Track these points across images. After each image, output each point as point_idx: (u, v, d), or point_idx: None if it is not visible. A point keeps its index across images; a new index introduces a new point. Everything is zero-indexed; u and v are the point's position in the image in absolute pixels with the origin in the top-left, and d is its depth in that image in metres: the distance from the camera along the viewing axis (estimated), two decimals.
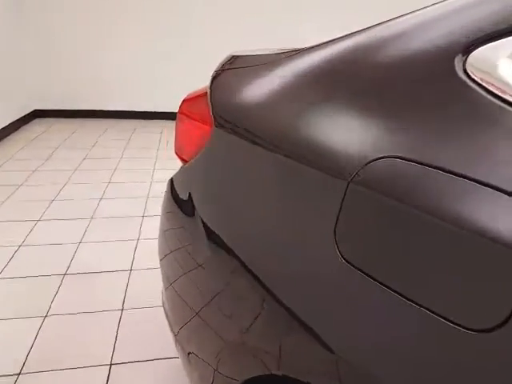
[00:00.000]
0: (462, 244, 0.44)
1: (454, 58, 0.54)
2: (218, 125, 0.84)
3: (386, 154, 0.53)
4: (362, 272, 0.53)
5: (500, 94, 0.49)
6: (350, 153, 0.57)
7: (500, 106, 0.48)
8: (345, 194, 0.56)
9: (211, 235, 0.81)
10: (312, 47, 0.75)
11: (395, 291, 0.49)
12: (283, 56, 0.80)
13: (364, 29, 0.70)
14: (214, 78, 0.94)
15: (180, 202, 0.96)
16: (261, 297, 0.67)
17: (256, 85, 0.80)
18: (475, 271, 0.43)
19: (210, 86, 0.92)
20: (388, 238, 0.51)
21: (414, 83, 0.57)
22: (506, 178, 0.43)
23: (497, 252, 0.42)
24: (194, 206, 0.88)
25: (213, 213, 0.82)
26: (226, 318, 0.74)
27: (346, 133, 0.60)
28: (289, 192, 0.65)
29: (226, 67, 0.94)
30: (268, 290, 0.66)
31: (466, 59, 0.53)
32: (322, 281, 0.58)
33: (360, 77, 0.63)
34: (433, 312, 0.46)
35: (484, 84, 0.50)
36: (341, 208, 0.56)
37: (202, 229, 0.83)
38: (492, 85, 0.50)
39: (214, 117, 0.85)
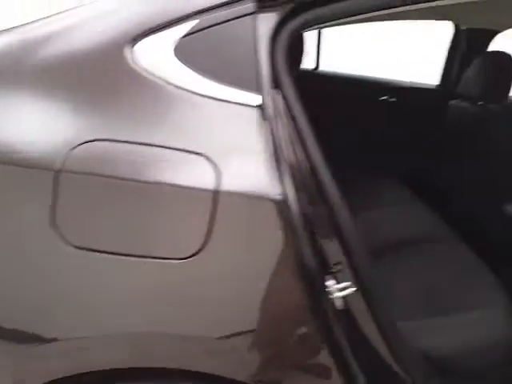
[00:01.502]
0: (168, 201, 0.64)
1: (122, 49, 0.66)
2: None
3: (84, 140, 0.63)
4: (98, 251, 0.63)
5: (165, 77, 0.65)
6: (50, 144, 0.64)
7: (166, 87, 0.65)
8: (56, 186, 0.62)
9: None
10: None
11: (136, 255, 0.63)
12: None
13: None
14: None
15: None
16: None
17: None
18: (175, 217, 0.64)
19: None
20: (109, 212, 0.64)
21: (94, 73, 0.68)
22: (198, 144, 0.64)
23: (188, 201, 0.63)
24: None
25: None
26: None
27: (39, 126, 0.66)
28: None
29: None
30: None
31: (133, 49, 0.66)
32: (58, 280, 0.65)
33: (43, 67, 0.69)
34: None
35: (150, 69, 0.66)
36: (56, 200, 0.62)
37: None
38: (157, 70, 0.66)
39: None
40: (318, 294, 0.70)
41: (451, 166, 1.95)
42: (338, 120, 2.25)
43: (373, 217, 1.68)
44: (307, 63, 2.33)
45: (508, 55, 1.63)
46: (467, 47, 2.06)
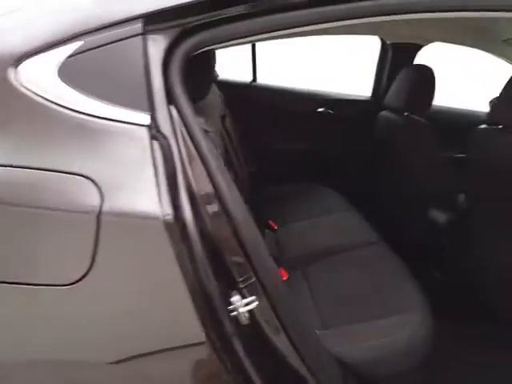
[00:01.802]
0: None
1: (6, 70, 0.65)
2: None
3: None
4: None
5: (48, 97, 0.64)
6: None
7: (49, 107, 0.64)
8: None
9: None
10: None
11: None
12: None
13: None
14: None
15: None
16: None
17: None
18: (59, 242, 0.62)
19: None
20: None
21: None
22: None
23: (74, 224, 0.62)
24: None
25: None
26: None
27: None
28: None
29: None
30: None
31: (17, 69, 0.65)
32: None
33: None
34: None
35: (34, 90, 0.65)
36: None
37: None
38: (41, 91, 0.65)
39: None
40: (219, 311, 0.70)
41: (381, 175, 2.02)
42: (276, 131, 2.29)
43: (306, 226, 1.72)
44: (244, 76, 2.37)
45: (429, 68, 1.72)
46: (394, 61, 2.16)
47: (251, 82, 2.35)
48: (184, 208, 0.67)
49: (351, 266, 1.39)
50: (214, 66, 1.01)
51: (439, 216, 1.65)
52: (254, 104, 2.26)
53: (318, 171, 2.25)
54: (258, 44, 2.25)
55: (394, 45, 2.14)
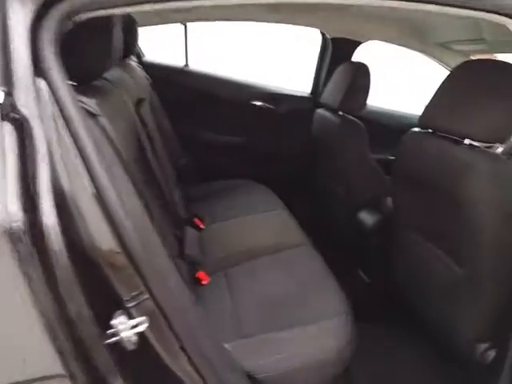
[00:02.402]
0: None
1: None
2: None
3: None
4: None
5: None
6: None
7: None
8: None
9: None
10: None
11: None
12: None
13: None
14: None
15: None
16: None
17: None
18: None
19: None
20: None
21: None
22: None
23: None
24: None
25: None
26: None
27: None
28: None
29: None
30: None
31: None
32: None
33: None
34: None
35: None
36: None
37: None
38: None
39: None
40: (89, 337, 0.58)
41: (315, 173, 1.97)
42: (209, 122, 2.16)
43: (233, 225, 1.62)
44: (176, 60, 2.21)
45: (365, 66, 1.67)
46: (333, 57, 2.09)
47: (184, 67, 2.20)
48: (45, 212, 0.53)
49: (275, 269, 1.32)
50: (112, 38, 0.85)
51: (368, 218, 1.61)
52: (187, 91, 2.12)
53: (252, 167, 2.16)
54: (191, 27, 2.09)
55: (333, 40, 2.07)
